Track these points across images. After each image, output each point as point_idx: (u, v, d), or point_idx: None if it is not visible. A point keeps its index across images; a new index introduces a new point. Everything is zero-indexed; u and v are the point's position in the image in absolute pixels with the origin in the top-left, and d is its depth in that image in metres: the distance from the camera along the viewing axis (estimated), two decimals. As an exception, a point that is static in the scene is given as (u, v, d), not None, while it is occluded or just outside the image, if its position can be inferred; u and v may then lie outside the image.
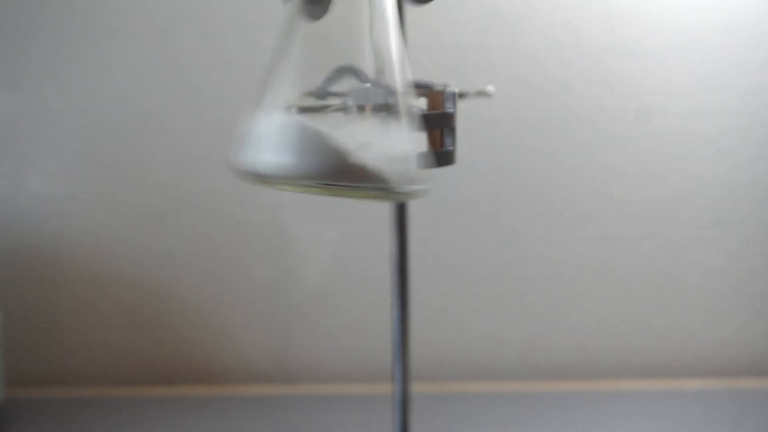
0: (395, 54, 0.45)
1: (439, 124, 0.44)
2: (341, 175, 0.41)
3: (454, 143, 0.45)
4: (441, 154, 0.44)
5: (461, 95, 0.59)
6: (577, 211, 0.91)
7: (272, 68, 0.45)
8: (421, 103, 0.45)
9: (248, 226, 0.91)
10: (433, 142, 0.45)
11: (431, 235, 0.91)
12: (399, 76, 0.44)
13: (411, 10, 0.49)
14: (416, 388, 0.62)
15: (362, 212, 0.90)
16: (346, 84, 0.58)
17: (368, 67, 0.45)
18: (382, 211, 0.85)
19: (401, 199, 0.43)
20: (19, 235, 0.91)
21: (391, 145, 0.43)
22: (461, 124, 0.52)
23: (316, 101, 0.58)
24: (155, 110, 0.89)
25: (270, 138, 0.42)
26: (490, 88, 0.64)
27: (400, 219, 0.56)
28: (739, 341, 0.93)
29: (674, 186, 0.90)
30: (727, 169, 0.90)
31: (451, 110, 0.45)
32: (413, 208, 0.61)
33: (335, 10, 0.44)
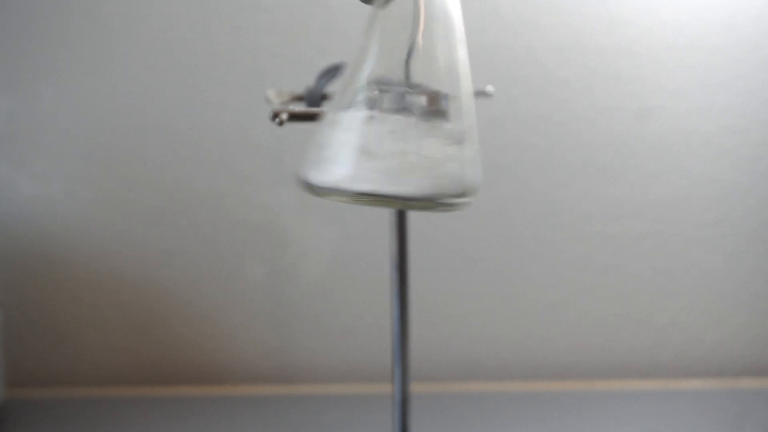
0: (461, 65, 0.44)
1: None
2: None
3: None
4: None
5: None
6: (577, 211, 0.91)
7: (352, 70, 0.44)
8: (422, 101, 0.44)
9: (248, 226, 0.91)
10: None
11: (431, 235, 0.91)
12: (463, 85, 0.43)
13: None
14: (416, 388, 0.63)
15: (362, 212, 0.90)
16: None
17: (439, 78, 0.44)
18: (382, 211, 0.85)
19: (448, 210, 0.43)
20: (19, 235, 0.91)
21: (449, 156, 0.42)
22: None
23: (309, 107, 0.58)
24: (155, 110, 0.89)
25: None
26: (489, 88, 0.64)
27: (400, 219, 0.56)
28: (738, 341, 0.93)
29: (674, 186, 0.90)
30: (727, 168, 0.90)
31: (445, 109, 0.44)
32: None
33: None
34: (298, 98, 0.60)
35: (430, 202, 0.42)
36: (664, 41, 0.88)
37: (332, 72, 0.59)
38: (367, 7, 0.84)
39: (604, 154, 0.90)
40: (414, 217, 0.84)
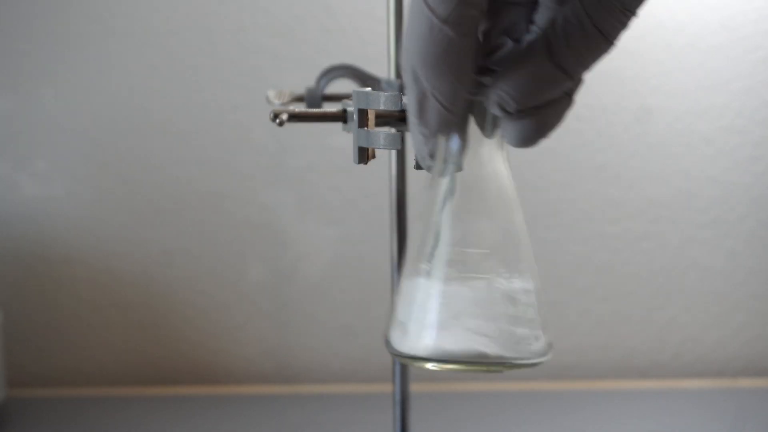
0: (520, 229, 0.45)
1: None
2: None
3: None
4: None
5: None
6: (577, 211, 0.91)
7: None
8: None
9: (248, 226, 0.91)
10: None
11: (431, 235, 0.91)
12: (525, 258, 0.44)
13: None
14: (416, 387, 0.63)
15: (362, 212, 0.90)
16: (347, 86, 0.58)
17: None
18: (382, 210, 0.85)
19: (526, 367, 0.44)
20: (19, 235, 0.91)
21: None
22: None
23: (309, 107, 0.58)
24: (155, 110, 0.89)
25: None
26: None
27: (399, 219, 0.56)
28: (737, 341, 0.93)
29: (673, 186, 0.90)
30: (726, 168, 0.90)
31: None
32: (413, 208, 0.61)
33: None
34: (298, 98, 0.60)
35: (514, 365, 0.43)
36: (663, 41, 0.88)
37: (332, 72, 0.59)
38: (367, 9, 0.84)
39: (604, 154, 0.90)
40: (413, 217, 0.84)
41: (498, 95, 0.37)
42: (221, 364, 0.93)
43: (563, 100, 0.39)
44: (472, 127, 0.42)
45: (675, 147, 0.90)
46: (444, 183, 0.43)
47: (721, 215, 0.91)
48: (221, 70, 0.88)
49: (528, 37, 0.38)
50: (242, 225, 0.91)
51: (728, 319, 0.92)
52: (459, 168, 0.42)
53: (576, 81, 0.38)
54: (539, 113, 0.39)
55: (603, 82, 0.88)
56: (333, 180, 0.90)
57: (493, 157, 0.43)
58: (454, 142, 0.42)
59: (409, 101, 0.39)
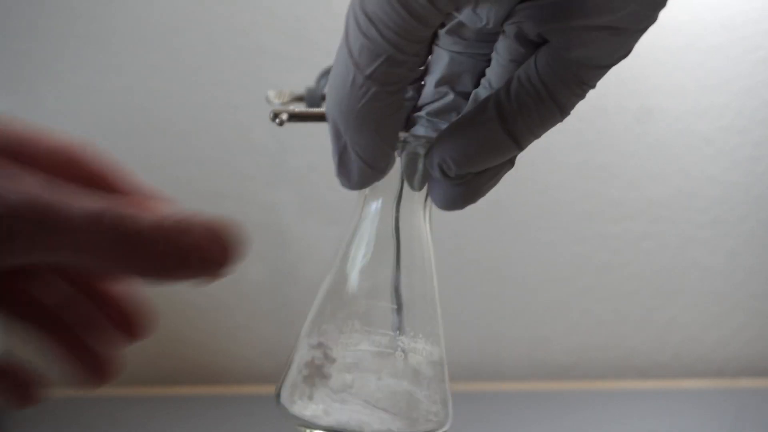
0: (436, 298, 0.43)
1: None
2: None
3: None
4: None
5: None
6: (577, 211, 0.91)
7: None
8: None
9: (249, 226, 0.91)
10: None
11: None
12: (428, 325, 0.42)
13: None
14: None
15: (362, 212, 0.90)
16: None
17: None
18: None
19: None
20: (19, 235, 0.91)
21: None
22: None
23: (309, 107, 0.58)
24: (155, 110, 0.89)
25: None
26: None
27: (398, 218, 0.56)
28: (737, 341, 0.93)
29: (673, 186, 0.90)
30: (726, 168, 0.90)
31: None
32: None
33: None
34: (298, 98, 0.60)
35: None
36: (663, 41, 0.88)
37: (328, 73, 0.59)
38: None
39: (604, 154, 0.90)
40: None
41: (440, 157, 0.34)
42: (221, 364, 0.93)
43: (504, 166, 0.38)
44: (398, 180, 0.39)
45: (675, 147, 0.90)
46: (360, 231, 0.41)
47: (721, 215, 0.91)
48: (221, 70, 0.88)
49: (478, 93, 0.35)
50: (242, 225, 0.91)
51: (728, 319, 0.92)
52: (378, 219, 0.41)
53: (522, 149, 0.36)
54: (476, 180, 0.37)
55: (603, 82, 0.88)
56: (333, 180, 0.90)
57: (414, 212, 0.41)
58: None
59: (332, 151, 0.37)
